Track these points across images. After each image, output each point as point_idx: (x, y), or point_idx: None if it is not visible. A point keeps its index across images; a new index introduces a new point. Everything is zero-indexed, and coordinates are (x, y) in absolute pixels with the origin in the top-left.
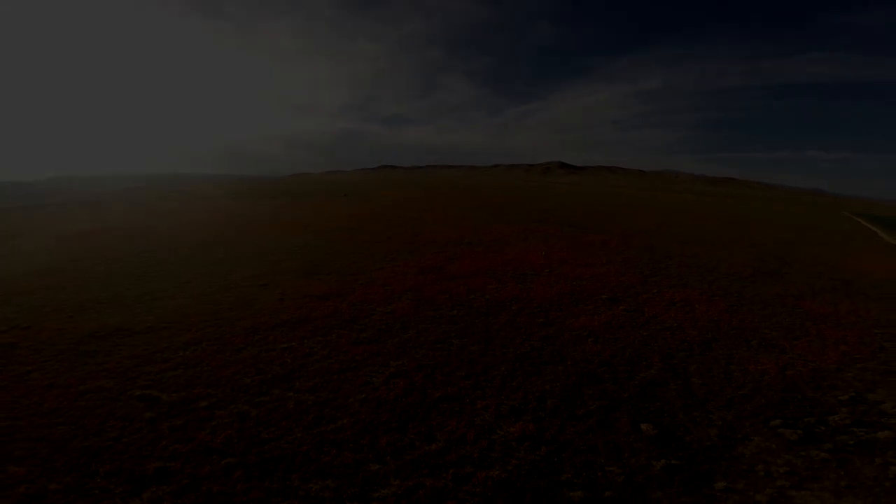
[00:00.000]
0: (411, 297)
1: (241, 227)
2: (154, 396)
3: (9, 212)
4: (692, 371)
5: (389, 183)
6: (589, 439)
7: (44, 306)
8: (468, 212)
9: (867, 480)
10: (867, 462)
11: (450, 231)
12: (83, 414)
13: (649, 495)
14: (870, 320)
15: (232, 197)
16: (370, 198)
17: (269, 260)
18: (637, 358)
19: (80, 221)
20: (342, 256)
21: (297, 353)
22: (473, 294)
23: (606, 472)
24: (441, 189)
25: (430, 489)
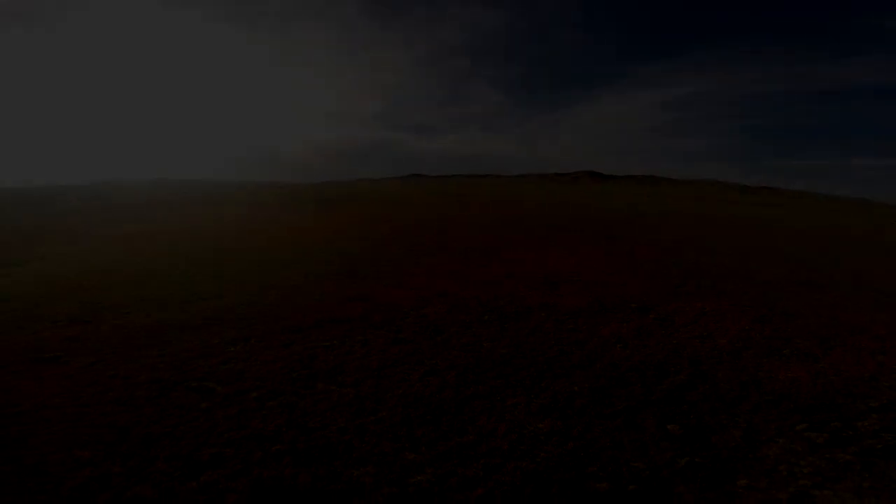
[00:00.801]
0: (443, 302)
1: (276, 231)
2: (209, 388)
3: (56, 216)
4: (720, 377)
5: (418, 191)
6: (615, 437)
7: (100, 304)
8: (495, 220)
9: (891, 483)
10: (893, 466)
11: (478, 238)
12: (143, 403)
13: (672, 489)
14: None
15: (266, 202)
16: (399, 205)
17: (307, 263)
18: (665, 364)
19: (126, 224)
20: (375, 261)
21: (338, 350)
22: (502, 300)
23: (632, 467)
24: (468, 197)
25: (462, 477)
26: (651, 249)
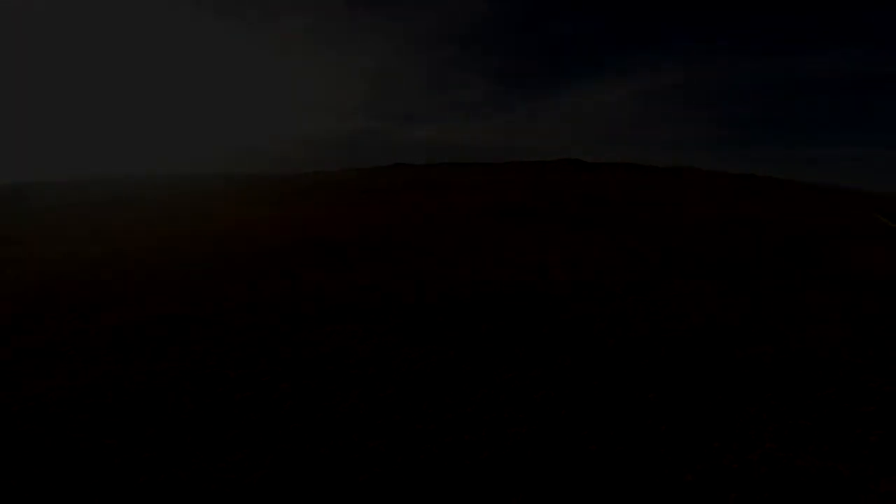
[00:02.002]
0: (438, 289)
1: (270, 226)
2: (223, 374)
3: (40, 212)
4: (696, 352)
5: (404, 181)
6: (602, 406)
7: (102, 298)
8: (483, 210)
9: (848, 448)
10: (849, 432)
11: (467, 228)
12: (161, 391)
13: (656, 450)
14: (874, 314)
15: (256, 196)
16: (388, 195)
17: (305, 255)
18: (646, 340)
19: (116, 219)
20: (372, 252)
21: (342, 336)
22: (494, 286)
23: (618, 431)
24: (454, 187)
25: (468, 443)
26: (634, 236)
